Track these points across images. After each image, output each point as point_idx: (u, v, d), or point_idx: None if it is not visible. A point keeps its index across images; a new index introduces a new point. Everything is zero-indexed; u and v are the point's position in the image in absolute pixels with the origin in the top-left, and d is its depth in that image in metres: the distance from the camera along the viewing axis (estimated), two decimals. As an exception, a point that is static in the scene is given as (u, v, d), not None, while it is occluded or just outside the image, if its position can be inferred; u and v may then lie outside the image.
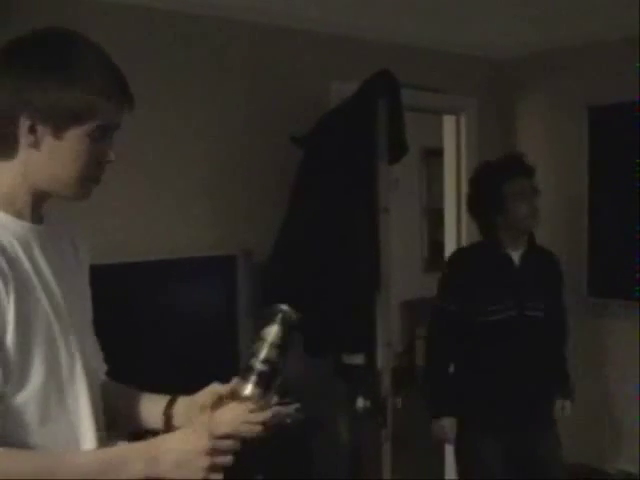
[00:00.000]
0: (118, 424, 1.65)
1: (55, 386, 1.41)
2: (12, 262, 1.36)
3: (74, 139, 1.39)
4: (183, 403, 1.65)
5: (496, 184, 3.13)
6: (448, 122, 4.62)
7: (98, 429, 1.49)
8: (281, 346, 1.54)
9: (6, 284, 1.33)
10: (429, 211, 6.47)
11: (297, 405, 3.36)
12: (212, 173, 3.59)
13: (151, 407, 1.67)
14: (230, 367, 3.26)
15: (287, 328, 1.56)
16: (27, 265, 1.40)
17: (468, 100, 4.57)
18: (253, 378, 1.54)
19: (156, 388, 2.43)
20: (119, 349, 2.93)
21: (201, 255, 3.42)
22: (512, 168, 3.18)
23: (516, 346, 3.07)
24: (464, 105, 4.56)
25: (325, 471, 3.63)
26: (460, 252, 3.68)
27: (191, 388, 2.89)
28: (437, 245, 4.78)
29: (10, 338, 1.33)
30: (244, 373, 1.55)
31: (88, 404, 1.47)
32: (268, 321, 1.56)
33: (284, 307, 1.58)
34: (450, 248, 4.60)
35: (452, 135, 4.59)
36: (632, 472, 3.95)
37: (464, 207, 4.46)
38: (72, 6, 3.10)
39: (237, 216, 3.65)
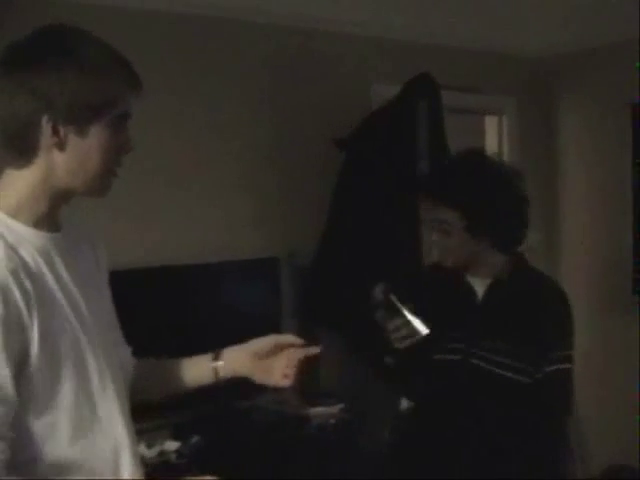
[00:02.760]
0: (167, 394, 1.77)
1: (86, 399, 1.39)
2: (35, 279, 1.34)
3: (97, 133, 1.37)
4: (231, 353, 1.74)
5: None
6: (490, 123, 4.60)
7: (130, 432, 1.49)
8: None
9: (29, 305, 1.30)
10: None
11: (341, 405, 3.40)
12: (255, 177, 3.62)
13: (198, 366, 1.76)
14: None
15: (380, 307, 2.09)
16: (51, 280, 1.37)
17: (508, 100, 4.55)
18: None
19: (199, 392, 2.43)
20: (161, 353, 3.08)
21: (245, 258, 3.44)
22: (422, 186, 2.47)
23: (454, 401, 2.29)
24: (505, 105, 4.54)
25: (368, 472, 3.65)
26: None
27: (233, 393, 2.82)
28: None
29: (35, 360, 1.30)
30: None
31: (120, 410, 1.46)
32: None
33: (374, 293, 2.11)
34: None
35: (494, 135, 4.55)
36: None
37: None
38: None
39: (280, 218, 3.67)
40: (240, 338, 3.16)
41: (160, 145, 3.28)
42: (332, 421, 3.31)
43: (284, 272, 3.52)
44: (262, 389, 3.29)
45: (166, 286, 3.16)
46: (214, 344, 3.10)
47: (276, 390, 1.87)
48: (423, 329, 2.06)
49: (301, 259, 3.55)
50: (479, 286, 2.30)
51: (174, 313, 3.17)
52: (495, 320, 2.26)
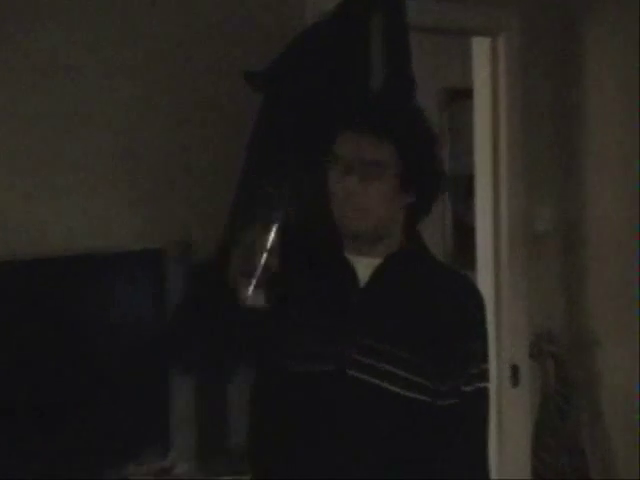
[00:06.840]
0: None
1: None
2: None
3: None
4: None
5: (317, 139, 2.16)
6: (479, 47, 3.89)
7: None
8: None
9: None
10: (454, 180, 5.25)
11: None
12: (133, 137, 3.05)
13: None
14: (158, 382, 3.10)
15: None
16: None
17: (508, 17, 3.84)
18: None
19: (70, 403, 2.42)
20: (20, 361, 2.80)
21: (118, 251, 2.98)
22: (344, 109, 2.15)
23: (325, 424, 1.95)
24: (502, 24, 3.83)
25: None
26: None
27: (112, 402, 2.82)
28: (466, 230, 4.23)
29: None
30: None
31: None
32: None
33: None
34: (484, 233, 3.94)
35: (485, 67, 3.86)
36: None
37: (503, 173, 3.87)
38: None
39: (170, 197, 3.14)
40: (115, 351, 2.97)
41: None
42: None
43: (172, 268, 3.01)
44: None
45: (23, 282, 2.81)
46: (80, 356, 2.93)
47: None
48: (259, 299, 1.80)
49: (199, 251, 3.01)
50: (363, 267, 2.00)
51: (34, 317, 2.83)
52: (383, 314, 1.96)
